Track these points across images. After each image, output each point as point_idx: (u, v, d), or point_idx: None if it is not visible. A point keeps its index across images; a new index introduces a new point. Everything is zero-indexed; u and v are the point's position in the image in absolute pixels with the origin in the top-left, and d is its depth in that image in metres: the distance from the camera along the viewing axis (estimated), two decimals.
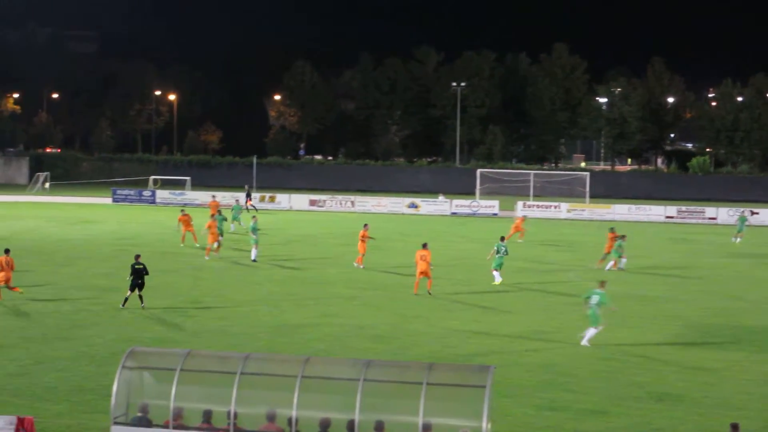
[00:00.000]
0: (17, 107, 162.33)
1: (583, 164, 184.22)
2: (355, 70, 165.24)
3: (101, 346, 31.99)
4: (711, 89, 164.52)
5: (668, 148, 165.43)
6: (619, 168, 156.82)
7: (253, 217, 58.43)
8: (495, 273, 47.57)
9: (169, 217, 76.31)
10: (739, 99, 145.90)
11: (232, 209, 72.08)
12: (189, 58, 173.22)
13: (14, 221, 75.78)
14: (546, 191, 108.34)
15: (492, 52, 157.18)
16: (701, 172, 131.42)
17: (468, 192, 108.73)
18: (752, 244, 69.29)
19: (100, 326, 35.32)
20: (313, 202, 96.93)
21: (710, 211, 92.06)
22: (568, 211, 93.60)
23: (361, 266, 51.76)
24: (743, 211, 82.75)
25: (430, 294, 43.39)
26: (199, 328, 35.39)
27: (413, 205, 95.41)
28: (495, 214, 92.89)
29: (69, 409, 24.90)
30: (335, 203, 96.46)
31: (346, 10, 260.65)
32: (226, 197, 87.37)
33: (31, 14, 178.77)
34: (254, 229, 54.49)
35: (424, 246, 44.43)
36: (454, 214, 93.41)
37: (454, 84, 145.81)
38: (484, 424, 19.13)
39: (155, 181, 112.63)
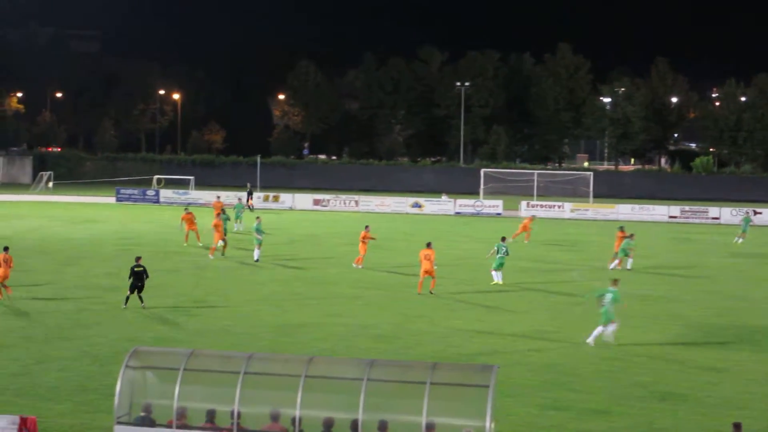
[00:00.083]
0: (20, 106, 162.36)
1: (586, 164, 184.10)
2: (359, 69, 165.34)
3: (104, 346, 31.99)
4: (714, 89, 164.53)
5: (671, 148, 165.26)
6: (623, 168, 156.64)
7: (257, 217, 58.40)
8: (494, 273, 47.54)
9: (172, 216, 76.34)
10: (743, 99, 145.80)
11: (235, 208, 72.13)
12: (190, 57, 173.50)
13: (17, 220, 75.84)
14: (549, 191, 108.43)
15: (496, 52, 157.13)
16: (704, 172, 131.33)
17: (472, 192, 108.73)
18: (755, 244, 69.23)
19: (102, 326, 35.33)
20: (316, 202, 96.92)
21: (713, 211, 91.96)
22: (572, 210, 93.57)
23: (360, 266, 51.75)
24: (747, 212, 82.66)
25: (431, 294, 43.40)
26: (202, 328, 35.40)
27: (417, 205, 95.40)
28: (499, 214, 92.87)
29: (71, 409, 24.90)
30: (339, 203, 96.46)
31: (346, 10, 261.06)
32: (229, 197, 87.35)
33: (33, 14, 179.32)
34: (258, 230, 54.43)
35: (428, 245, 44.42)
36: (457, 213, 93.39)
37: (458, 84, 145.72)
38: (487, 424, 19.12)
39: (159, 181, 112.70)
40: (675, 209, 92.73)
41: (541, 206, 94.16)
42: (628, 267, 53.65)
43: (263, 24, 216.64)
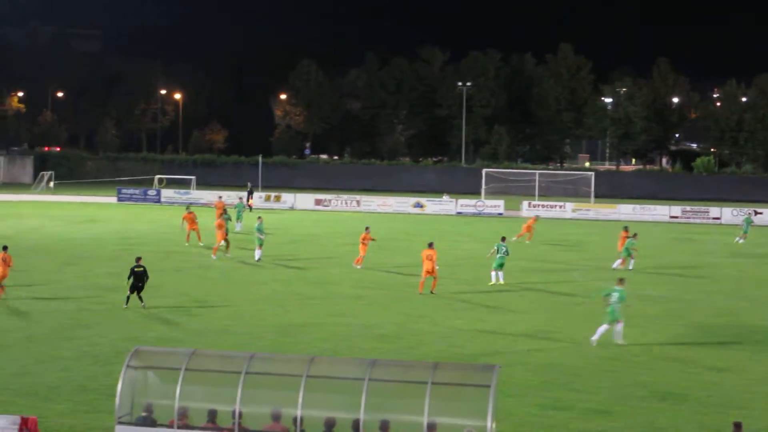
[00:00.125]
0: (21, 106, 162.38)
1: (587, 164, 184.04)
2: (361, 69, 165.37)
3: (104, 346, 31.99)
4: (715, 89, 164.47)
5: (673, 148, 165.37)
6: (624, 168, 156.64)
7: (259, 217, 58.41)
8: (493, 273, 47.51)
9: (174, 216, 76.28)
10: (744, 99, 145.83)
11: (236, 207, 72.12)
12: (192, 57, 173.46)
13: (18, 220, 75.84)
14: (551, 191, 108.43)
15: (497, 52, 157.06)
16: (705, 172, 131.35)
17: (473, 192, 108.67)
18: (756, 244, 69.21)
19: (103, 325, 35.33)
20: (318, 202, 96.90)
21: (714, 211, 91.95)
22: (573, 210, 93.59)
23: (359, 267, 51.73)
24: (749, 213, 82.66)
25: (433, 294, 43.41)
26: (203, 328, 35.40)
27: (419, 205, 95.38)
28: (500, 214, 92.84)
29: (72, 409, 24.90)
30: (341, 203, 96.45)
31: (346, 9, 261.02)
32: (231, 197, 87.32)
33: (34, 13, 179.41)
34: (260, 230, 54.42)
35: (430, 245, 44.41)
36: (459, 213, 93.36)
37: (460, 84, 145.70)
38: (488, 424, 19.13)
39: (160, 181, 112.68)
40: (676, 209, 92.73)
41: (543, 206, 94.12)
42: (630, 267, 53.66)
43: (264, 24, 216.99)
